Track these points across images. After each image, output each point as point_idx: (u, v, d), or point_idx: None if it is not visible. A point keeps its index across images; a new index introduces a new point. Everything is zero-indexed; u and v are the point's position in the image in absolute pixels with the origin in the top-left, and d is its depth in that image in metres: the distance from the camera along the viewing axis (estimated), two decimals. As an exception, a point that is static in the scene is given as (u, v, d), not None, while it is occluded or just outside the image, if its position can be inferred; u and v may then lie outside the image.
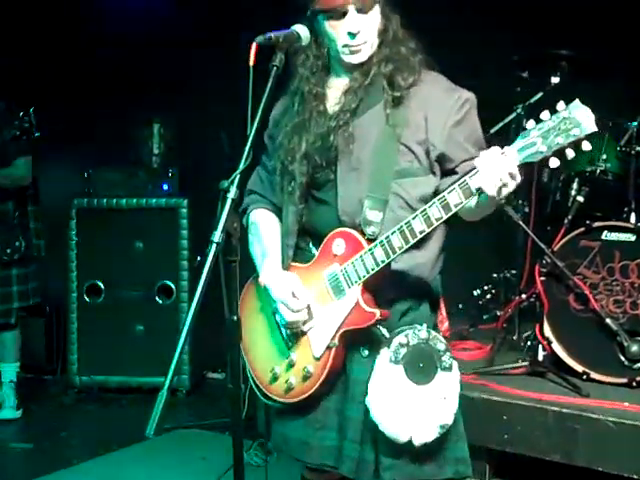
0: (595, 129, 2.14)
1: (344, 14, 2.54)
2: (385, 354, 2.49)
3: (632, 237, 4.26)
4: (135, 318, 6.12)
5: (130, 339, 6.10)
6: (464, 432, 2.64)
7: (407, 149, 2.57)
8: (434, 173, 2.60)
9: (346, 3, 2.52)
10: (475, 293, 5.68)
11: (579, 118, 2.13)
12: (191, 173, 6.07)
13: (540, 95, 4.82)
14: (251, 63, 2.39)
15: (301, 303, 2.60)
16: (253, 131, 2.35)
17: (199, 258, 5.98)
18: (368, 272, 2.50)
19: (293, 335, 2.68)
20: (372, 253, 2.49)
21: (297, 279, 2.65)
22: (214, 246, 2.21)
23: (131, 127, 6.23)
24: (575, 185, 4.73)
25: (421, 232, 2.40)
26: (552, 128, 2.15)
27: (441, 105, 2.57)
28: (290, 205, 2.71)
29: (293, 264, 2.71)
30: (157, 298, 6.08)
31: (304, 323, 2.63)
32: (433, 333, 2.50)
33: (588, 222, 4.36)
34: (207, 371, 6.62)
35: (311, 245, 2.71)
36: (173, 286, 6.04)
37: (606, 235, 4.32)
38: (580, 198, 4.64)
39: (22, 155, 5.30)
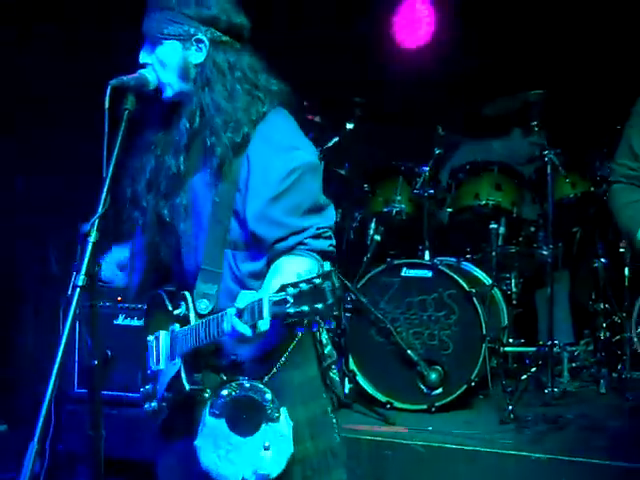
0: (333, 313, 2.12)
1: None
2: (209, 406, 2.49)
3: (428, 273, 4.60)
4: None
5: None
6: (328, 467, 2.59)
7: (236, 217, 2.44)
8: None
9: (143, 32, 2.48)
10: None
11: (327, 294, 2.08)
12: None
13: (336, 140, 5.06)
14: (106, 106, 2.36)
15: None
16: (109, 175, 2.32)
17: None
18: (187, 348, 2.48)
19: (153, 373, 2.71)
20: (192, 333, 2.45)
21: None
22: (78, 290, 2.17)
23: None
24: (372, 225, 5.01)
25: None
26: (305, 293, 2.09)
27: (266, 170, 2.37)
28: (137, 234, 2.63)
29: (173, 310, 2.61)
30: None
31: (157, 363, 2.64)
32: (258, 385, 2.47)
33: (389, 260, 4.65)
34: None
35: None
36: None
37: (405, 272, 4.63)
38: (377, 237, 4.93)
39: None
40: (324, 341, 2.64)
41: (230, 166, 2.41)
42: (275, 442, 2.43)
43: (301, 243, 2.37)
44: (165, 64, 2.45)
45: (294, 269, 2.25)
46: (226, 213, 2.43)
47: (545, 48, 5.88)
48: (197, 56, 2.45)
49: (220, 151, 2.39)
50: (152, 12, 2.47)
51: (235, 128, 2.40)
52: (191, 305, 2.50)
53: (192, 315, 2.49)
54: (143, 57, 2.48)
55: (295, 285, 2.09)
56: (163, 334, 2.63)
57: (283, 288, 2.10)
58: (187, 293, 2.52)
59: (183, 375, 2.50)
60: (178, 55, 2.44)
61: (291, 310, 2.09)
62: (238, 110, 2.42)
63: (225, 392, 2.47)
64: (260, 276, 2.41)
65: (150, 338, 2.68)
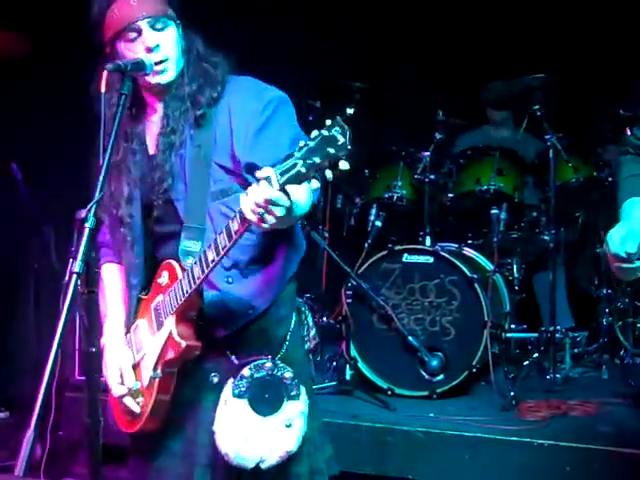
0: (348, 148, 2.07)
1: (139, 32, 2.47)
2: (229, 386, 2.50)
3: (430, 259, 4.57)
4: None
5: None
6: (323, 443, 2.68)
7: (221, 168, 2.52)
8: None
9: (137, 19, 2.46)
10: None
11: (337, 137, 2.06)
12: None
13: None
14: (102, 90, 2.35)
15: (123, 390, 2.58)
16: (106, 160, 2.30)
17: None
18: (178, 302, 2.47)
19: (132, 366, 2.64)
20: (180, 283, 2.47)
21: (128, 360, 2.61)
22: (74, 276, 2.15)
23: None
24: (373, 211, 4.98)
25: (212, 261, 2.35)
26: (312, 148, 2.09)
27: (243, 111, 2.50)
28: (128, 249, 2.64)
29: (141, 296, 2.67)
30: None
31: (137, 352, 2.62)
32: (279, 363, 2.49)
33: (390, 246, 4.62)
34: (-12, 410, 6.21)
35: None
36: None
37: (406, 258, 4.60)
38: (378, 223, 4.91)
39: None
40: (310, 324, 2.66)
41: (209, 121, 2.53)
42: (297, 420, 2.47)
43: None
44: (173, 44, 2.53)
45: None
46: (205, 167, 2.51)
47: (545, 29, 5.84)
48: (181, 36, 2.57)
49: (204, 107, 2.53)
50: None
51: (212, 85, 2.55)
52: (176, 265, 2.50)
53: (179, 272, 2.48)
54: (155, 39, 2.49)
55: (301, 148, 2.07)
56: (141, 321, 2.62)
57: (288, 156, 2.09)
58: (172, 261, 2.52)
59: (175, 333, 2.46)
60: (178, 35, 2.55)
61: (302, 169, 2.06)
62: (216, 70, 2.58)
63: (247, 372, 2.47)
64: None
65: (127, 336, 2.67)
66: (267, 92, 2.53)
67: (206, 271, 2.35)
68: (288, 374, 2.49)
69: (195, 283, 2.39)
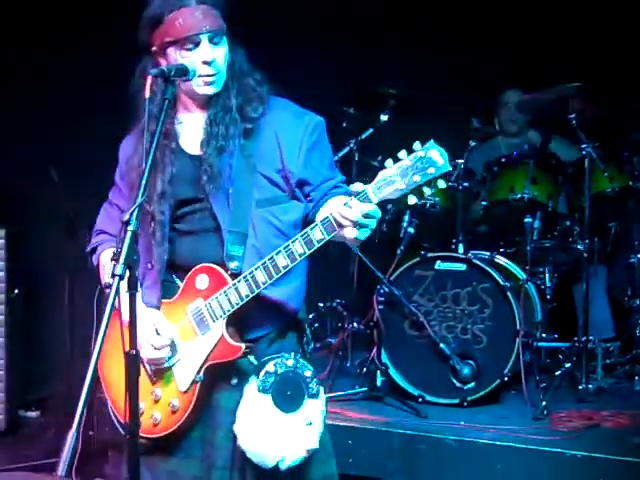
0: (449, 168, 2.27)
1: (197, 44, 2.53)
2: (254, 382, 2.54)
3: (462, 267, 4.56)
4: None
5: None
6: (332, 450, 2.71)
7: (265, 178, 2.61)
8: (297, 199, 2.65)
9: (200, 32, 2.52)
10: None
11: (434, 158, 2.23)
12: (10, 202, 5.76)
13: (370, 131, 5.03)
14: (147, 95, 2.38)
15: (164, 340, 2.59)
16: (149, 163, 2.33)
17: (17, 290, 5.67)
18: (233, 307, 2.52)
19: (157, 370, 2.66)
20: (236, 288, 2.51)
21: (160, 315, 2.64)
22: (116, 279, 2.17)
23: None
24: (406, 217, 4.97)
25: (285, 267, 2.45)
26: (409, 167, 2.25)
27: (293, 131, 2.61)
28: (155, 246, 2.66)
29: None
30: (-30, 333, 5.67)
31: (168, 359, 2.64)
32: (300, 361, 2.55)
33: (423, 253, 4.61)
34: (21, 409, 6.27)
35: (175, 278, 2.69)
36: (-11, 320, 5.67)
37: (439, 265, 4.59)
38: (411, 230, 4.90)
39: None
40: (309, 337, 2.74)
41: (255, 133, 2.62)
42: (316, 418, 2.53)
43: (336, 187, 2.63)
44: (224, 58, 2.59)
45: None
46: (251, 176, 2.60)
47: (582, 38, 5.80)
48: (228, 49, 2.63)
49: (254, 122, 2.61)
50: (206, 6, 2.55)
51: (260, 100, 2.64)
52: (221, 270, 2.54)
53: (227, 277, 2.53)
54: (211, 54, 2.55)
55: (395, 167, 2.26)
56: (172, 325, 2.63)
57: (382, 174, 2.27)
58: (213, 265, 2.56)
59: (228, 337, 2.53)
60: (227, 48, 2.61)
61: (401, 185, 2.24)
62: (262, 87, 2.66)
63: (272, 368, 2.53)
64: (299, 226, 2.59)
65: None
66: (310, 115, 2.65)
67: (275, 276, 2.46)
68: (308, 372, 2.55)
69: (259, 288, 2.49)
